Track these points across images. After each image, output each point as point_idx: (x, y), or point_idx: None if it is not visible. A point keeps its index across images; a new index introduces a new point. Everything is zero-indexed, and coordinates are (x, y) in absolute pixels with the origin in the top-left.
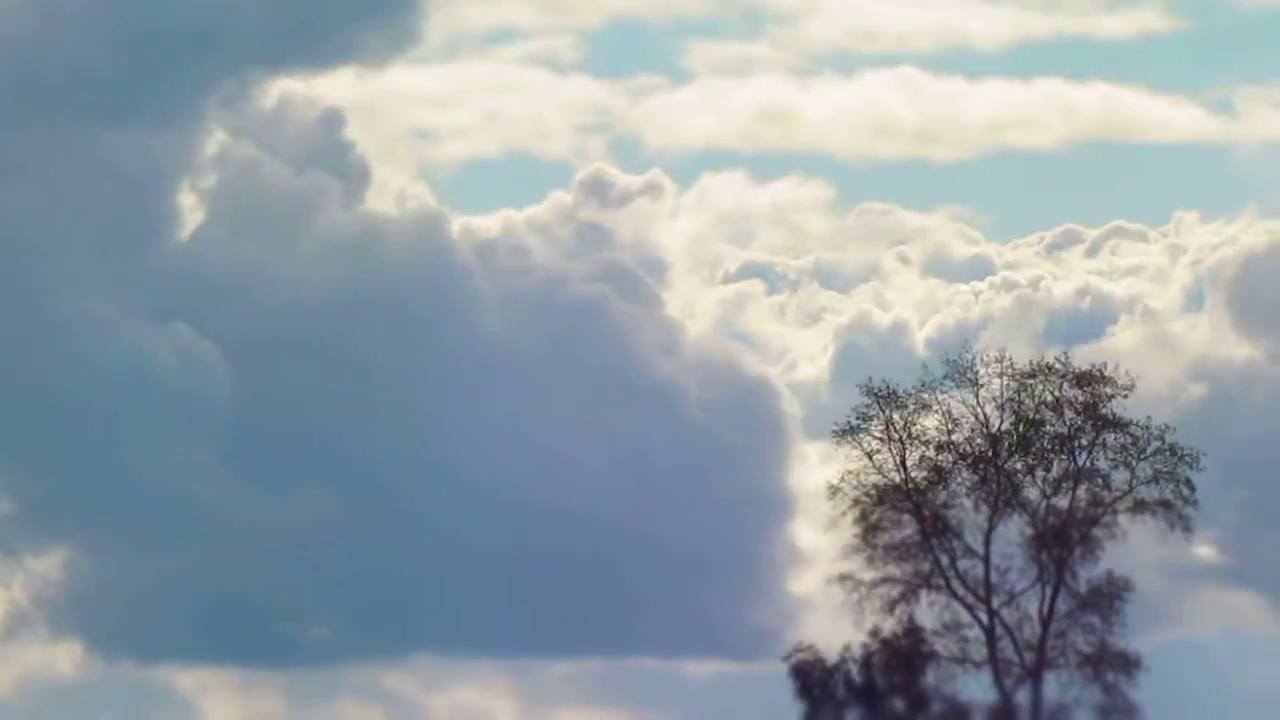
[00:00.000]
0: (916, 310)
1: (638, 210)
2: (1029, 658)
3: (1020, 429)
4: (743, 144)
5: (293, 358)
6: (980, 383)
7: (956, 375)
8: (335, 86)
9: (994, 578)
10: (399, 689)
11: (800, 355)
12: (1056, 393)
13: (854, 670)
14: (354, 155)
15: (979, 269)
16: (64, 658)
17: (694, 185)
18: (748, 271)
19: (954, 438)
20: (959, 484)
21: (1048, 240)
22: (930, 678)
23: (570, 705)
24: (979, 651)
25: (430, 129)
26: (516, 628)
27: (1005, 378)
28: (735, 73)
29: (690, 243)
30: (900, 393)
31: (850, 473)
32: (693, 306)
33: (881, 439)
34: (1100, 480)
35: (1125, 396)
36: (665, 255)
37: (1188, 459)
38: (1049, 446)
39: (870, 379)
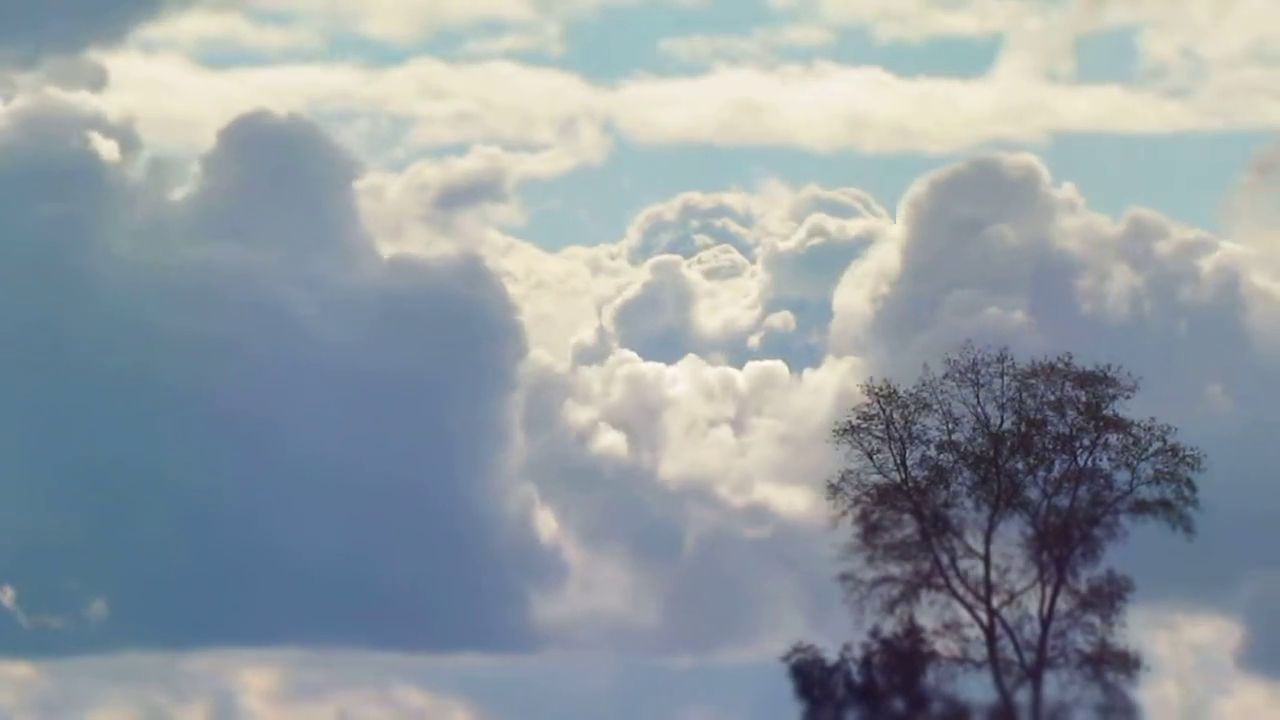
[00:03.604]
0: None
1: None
2: (1029, 658)
3: (1021, 429)
4: (720, 137)
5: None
6: (981, 382)
7: (957, 375)
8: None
9: (994, 577)
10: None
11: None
12: (1058, 393)
13: (854, 670)
14: None
15: None
16: None
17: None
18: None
19: (955, 437)
20: (959, 484)
21: None
22: (930, 678)
23: (330, 698)
24: (979, 651)
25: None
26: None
27: (1007, 377)
28: (718, 67)
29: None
30: (901, 392)
31: (850, 472)
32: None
33: (882, 438)
34: (1101, 480)
35: (1128, 397)
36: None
37: (1189, 459)
38: (1050, 446)
39: (871, 378)
